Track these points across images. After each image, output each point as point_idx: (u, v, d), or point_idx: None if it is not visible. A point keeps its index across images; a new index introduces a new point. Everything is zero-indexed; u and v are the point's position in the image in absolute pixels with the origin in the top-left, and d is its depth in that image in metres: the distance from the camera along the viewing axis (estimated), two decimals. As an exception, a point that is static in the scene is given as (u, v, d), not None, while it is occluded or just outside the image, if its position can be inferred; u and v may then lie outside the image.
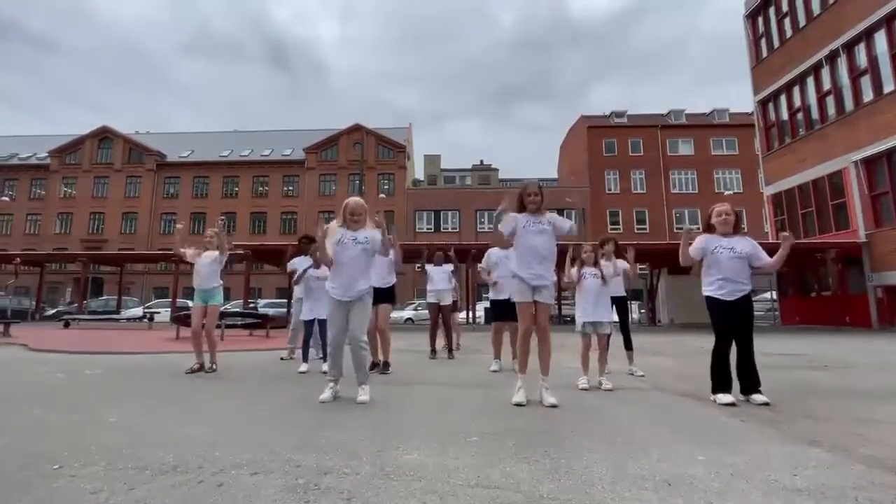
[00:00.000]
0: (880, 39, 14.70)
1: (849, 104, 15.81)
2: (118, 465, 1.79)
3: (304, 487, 1.57)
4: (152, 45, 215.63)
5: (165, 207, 37.61)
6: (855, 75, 15.60)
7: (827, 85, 16.72)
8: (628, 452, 2.01)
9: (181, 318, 10.03)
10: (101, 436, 2.24)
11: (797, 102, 18.25)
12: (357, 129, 37.10)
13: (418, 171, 49.42)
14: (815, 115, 17.35)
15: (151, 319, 14.01)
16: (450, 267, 6.73)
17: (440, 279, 6.55)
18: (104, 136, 38.62)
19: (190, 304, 23.55)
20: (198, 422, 2.58)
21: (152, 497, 1.51)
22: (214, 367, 4.62)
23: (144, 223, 37.14)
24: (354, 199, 3.38)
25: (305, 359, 4.88)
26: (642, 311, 23.40)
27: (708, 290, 3.30)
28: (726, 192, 31.98)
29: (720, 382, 3.20)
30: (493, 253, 5.24)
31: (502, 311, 4.88)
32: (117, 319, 18.41)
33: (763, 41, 20.08)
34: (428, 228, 35.68)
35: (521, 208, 3.32)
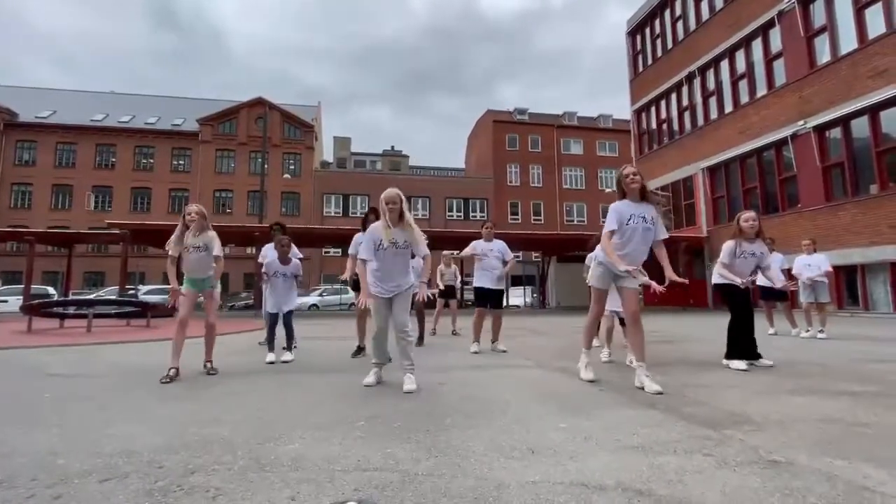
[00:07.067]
0: (724, 67, 17.50)
1: (700, 120, 18.66)
2: (-86, 489, 1.47)
3: (163, 490, 1.44)
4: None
5: (18, 176, 31.22)
6: (706, 96, 18.42)
7: (686, 101, 19.51)
8: (503, 426, 2.19)
9: (34, 308, 8.62)
10: None
11: (664, 114, 21.03)
12: (260, 102, 34.07)
13: (327, 154, 47.14)
14: (676, 126, 20.18)
15: (-5, 309, 11.72)
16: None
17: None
18: (-83, 82, 30.56)
19: (50, 290, 19.90)
20: (42, 426, 2.22)
21: (-38, 521, 1.27)
22: (212, 367, 3.80)
23: (-11, 195, 30.45)
24: (389, 189, 3.46)
25: (271, 348, 4.67)
26: (534, 294, 25.34)
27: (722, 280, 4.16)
28: (608, 190, 35.83)
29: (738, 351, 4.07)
30: (479, 245, 5.29)
31: (484, 297, 5.26)
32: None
33: (640, 57, 22.68)
34: (336, 212, 34.47)
35: (623, 194, 3.24)
